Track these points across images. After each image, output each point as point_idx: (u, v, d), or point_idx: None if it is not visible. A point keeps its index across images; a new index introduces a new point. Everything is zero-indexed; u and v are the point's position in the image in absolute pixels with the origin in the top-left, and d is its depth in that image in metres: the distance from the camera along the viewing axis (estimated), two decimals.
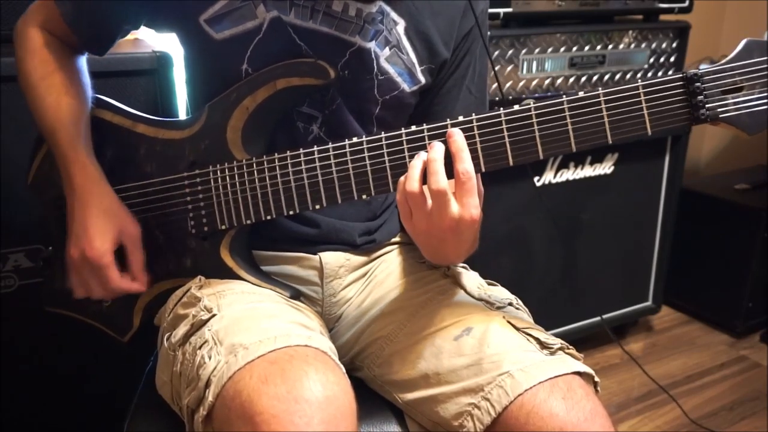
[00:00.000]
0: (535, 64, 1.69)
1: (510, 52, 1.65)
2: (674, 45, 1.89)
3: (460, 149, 0.76)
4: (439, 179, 0.75)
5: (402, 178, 0.78)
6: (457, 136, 0.77)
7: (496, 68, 1.63)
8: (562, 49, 1.72)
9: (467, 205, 0.75)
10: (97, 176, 0.90)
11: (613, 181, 1.90)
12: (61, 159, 0.90)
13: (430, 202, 0.76)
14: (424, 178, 0.77)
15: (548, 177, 1.80)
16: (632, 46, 1.83)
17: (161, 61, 1.23)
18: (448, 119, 0.79)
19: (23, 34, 0.94)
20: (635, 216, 2.01)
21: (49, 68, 0.92)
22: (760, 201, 2.13)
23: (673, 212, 2.04)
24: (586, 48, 1.76)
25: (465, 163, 0.75)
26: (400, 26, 0.92)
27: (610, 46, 1.80)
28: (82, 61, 0.98)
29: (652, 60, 1.87)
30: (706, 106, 0.73)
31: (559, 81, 1.74)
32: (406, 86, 0.94)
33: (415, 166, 0.77)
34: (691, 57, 1.94)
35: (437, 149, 0.77)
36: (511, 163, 0.78)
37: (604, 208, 1.92)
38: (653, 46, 1.86)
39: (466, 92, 1.01)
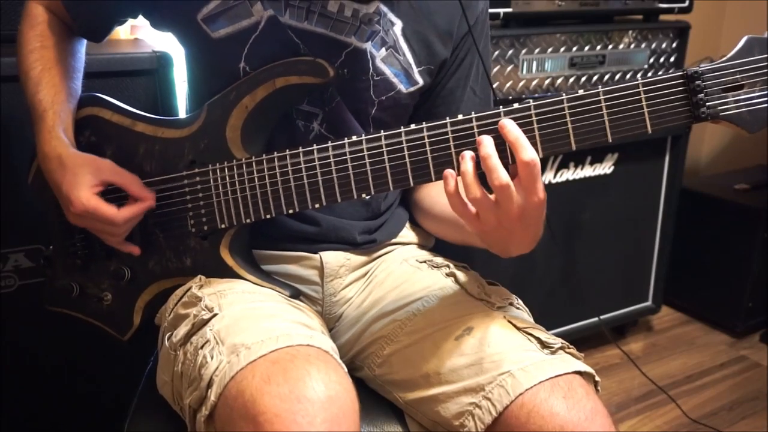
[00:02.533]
0: (535, 64, 1.69)
1: (510, 52, 1.65)
2: (674, 45, 1.89)
3: (518, 137, 0.73)
4: (501, 175, 0.72)
5: (451, 188, 0.74)
6: (510, 126, 0.74)
7: (497, 68, 1.63)
8: (562, 49, 1.72)
9: (536, 190, 0.72)
10: (60, 144, 0.89)
11: (613, 181, 1.90)
12: (35, 129, 0.91)
13: (492, 197, 0.74)
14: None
15: (548, 177, 1.80)
16: (632, 46, 1.83)
17: (161, 61, 1.23)
18: (448, 118, 0.78)
19: (28, 9, 0.97)
20: (635, 216, 2.00)
21: (44, 42, 0.94)
22: (760, 201, 2.13)
23: (673, 212, 2.04)
24: (586, 48, 1.76)
25: (528, 151, 0.72)
26: (397, 27, 0.92)
27: (610, 46, 1.80)
28: (80, 45, 1.00)
29: (652, 60, 1.87)
30: (707, 104, 0.73)
31: (559, 81, 1.74)
32: (402, 87, 0.94)
33: (468, 171, 0.74)
34: (691, 57, 1.94)
35: (488, 145, 0.74)
36: (510, 162, 0.78)
37: (604, 208, 1.92)
38: (653, 46, 1.86)
39: (470, 93, 1.01)
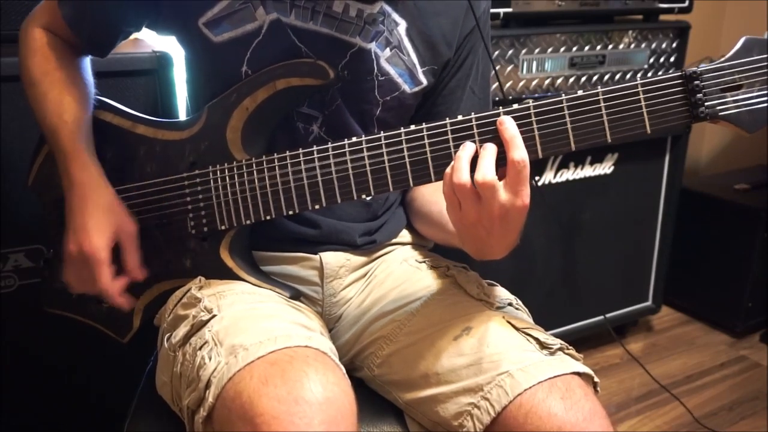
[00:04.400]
0: (535, 64, 1.69)
1: (510, 52, 1.65)
2: (674, 45, 1.89)
3: (514, 136, 0.74)
4: (486, 172, 0.73)
5: (448, 170, 0.75)
6: (508, 124, 0.75)
7: (497, 68, 1.63)
8: (562, 49, 1.72)
9: (521, 193, 0.73)
10: (97, 173, 0.90)
11: (613, 181, 1.90)
12: (61, 156, 0.90)
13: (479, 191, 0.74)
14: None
15: (548, 177, 1.80)
16: (632, 46, 1.83)
17: (161, 61, 1.23)
18: (448, 119, 0.78)
19: (26, 33, 0.94)
20: (635, 216, 2.00)
21: (52, 65, 0.92)
22: (760, 201, 2.13)
23: (673, 212, 2.04)
24: (586, 48, 1.76)
25: (520, 151, 0.73)
26: (402, 27, 0.92)
27: (610, 46, 1.80)
28: (86, 62, 0.98)
29: (652, 60, 1.87)
30: (705, 104, 0.73)
31: (559, 81, 1.74)
32: (406, 87, 0.94)
33: (462, 157, 0.74)
34: (691, 57, 1.94)
35: (489, 147, 0.75)
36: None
37: (604, 208, 1.92)
38: (653, 46, 1.86)
39: (470, 93, 1.01)
